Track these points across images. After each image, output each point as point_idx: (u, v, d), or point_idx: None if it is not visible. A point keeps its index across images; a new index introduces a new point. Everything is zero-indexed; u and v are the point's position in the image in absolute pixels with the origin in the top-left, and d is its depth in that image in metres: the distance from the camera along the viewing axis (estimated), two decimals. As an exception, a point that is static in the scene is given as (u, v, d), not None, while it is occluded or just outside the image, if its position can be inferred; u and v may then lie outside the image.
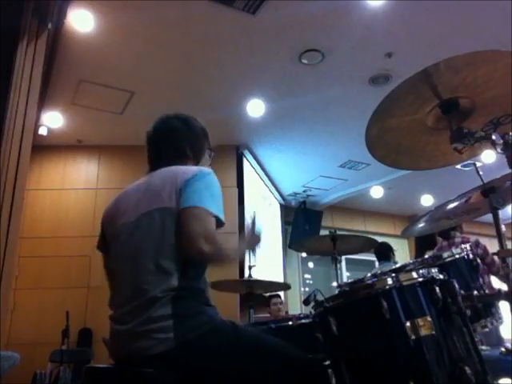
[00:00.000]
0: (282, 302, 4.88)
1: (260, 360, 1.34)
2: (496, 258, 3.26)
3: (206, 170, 1.50)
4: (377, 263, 4.72)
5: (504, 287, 1.39)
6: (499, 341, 2.95)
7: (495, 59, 1.29)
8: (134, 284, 1.35)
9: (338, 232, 2.80)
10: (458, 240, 3.58)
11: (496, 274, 3.29)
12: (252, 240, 1.71)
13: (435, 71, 1.30)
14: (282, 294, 5.13)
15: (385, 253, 4.51)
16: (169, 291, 1.29)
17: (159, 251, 1.35)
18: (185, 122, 1.65)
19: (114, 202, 1.56)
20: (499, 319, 1.63)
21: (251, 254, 1.65)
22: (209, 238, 1.32)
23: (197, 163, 1.62)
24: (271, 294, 4.81)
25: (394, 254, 4.54)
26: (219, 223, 1.41)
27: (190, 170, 1.47)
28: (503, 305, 1.58)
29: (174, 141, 1.61)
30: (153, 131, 1.65)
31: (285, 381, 1.35)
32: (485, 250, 3.42)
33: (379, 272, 1.76)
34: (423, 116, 1.45)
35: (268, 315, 4.63)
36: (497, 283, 3.32)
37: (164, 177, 1.47)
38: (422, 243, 3.96)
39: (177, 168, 1.50)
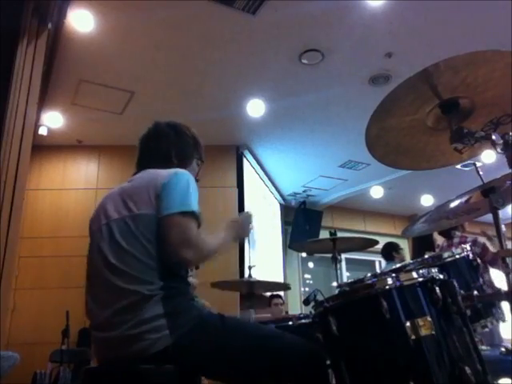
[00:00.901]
0: (283, 303, 4.89)
1: (248, 343, 1.36)
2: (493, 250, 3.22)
3: (182, 170, 1.50)
4: (383, 263, 4.76)
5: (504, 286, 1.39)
6: (499, 341, 2.95)
7: (495, 59, 1.29)
8: (110, 288, 1.34)
9: (338, 232, 2.80)
10: (456, 240, 3.58)
11: (498, 268, 3.22)
12: (243, 223, 1.64)
13: (435, 71, 1.30)
14: (282, 293, 5.14)
15: (389, 253, 4.51)
16: (156, 290, 1.30)
17: (134, 257, 1.34)
18: (173, 128, 1.67)
19: (99, 205, 1.57)
20: (501, 317, 1.62)
21: (248, 240, 1.61)
22: (190, 244, 1.34)
23: None
24: (272, 294, 4.82)
25: (398, 253, 4.51)
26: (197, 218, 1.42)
27: (167, 173, 1.46)
28: (504, 304, 1.58)
29: (159, 144, 1.63)
30: (143, 136, 1.69)
31: (273, 362, 1.36)
32: (483, 247, 3.39)
33: (379, 272, 1.76)
34: (423, 116, 1.45)
35: (269, 315, 4.64)
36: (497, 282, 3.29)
37: (141, 182, 1.49)
38: (420, 244, 3.95)
39: (154, 172, 1.50)
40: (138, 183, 1.49)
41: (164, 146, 1.62)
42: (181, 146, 1.64)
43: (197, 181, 1.67)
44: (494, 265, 3.27)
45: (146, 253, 1.35)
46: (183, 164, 1.62)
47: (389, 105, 1.40)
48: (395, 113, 1.43)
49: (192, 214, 1.38)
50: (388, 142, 1.54)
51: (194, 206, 1.40)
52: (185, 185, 1.43)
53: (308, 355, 1.38)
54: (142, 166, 1.62)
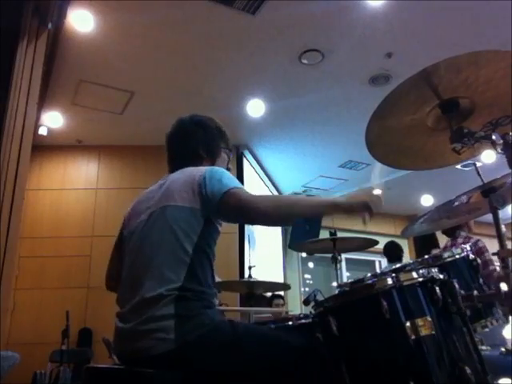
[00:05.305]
0: (283, 304, 4.90)
1: (261, 356, 1.33)
2: (491, 267, 3.11)
3: (215, 167, 1.53)
4: (383, 263, 4.63)
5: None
6: (500, 341, 2.94)
7: (496, 59, 1.29)
8: (136, 281, 1.36)
9: (338, 232, 2.80)
10: (460, 240, 3.54)
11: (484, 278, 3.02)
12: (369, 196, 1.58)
13: (436, 71, 1.30)
14: (281, 293, 5.14)
15: (394, 253, 4.39)
16: (173, 290, 1.29)
17: (166, 249, 1.36)
18: (198, 123, 1.70)
19: (134, 203, 1.60)
20: (501, 319, 1.62)
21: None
22: (251, 198, 1.37)
23: (212, 163, 1.65)
24: (273, 294, 4.83)
25: (403, 253, 4.43)
26: None
27: (203, 170, 1.49)
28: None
29: (186, 143, 1.66)
30: (169, 134, 1.71)
31: (287, 374, 1.34)
32: (479, 250, 3.29)
33: (379, 272, 1.76)
34: (423, 116, 1.45)
35: (269, 315, 4.64)
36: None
37: (178, 178, 1.50)
38: (424, 243, 3.90)
39: (191, 170, 1.52)
40: (177, 180, 1.49)
41: (192, 144, 1.65)
42: (208, 141, 1.68)
43: (228, 169, 1.69)
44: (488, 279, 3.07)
45: (179, 246, 1.35)
46: (213, 156, 1.67)
47: (389, 104, 1.40)
48: (395, 112, 1.43)
49: (241, 188, 1.41)
50: (388, 142, 1.54)
51: (239, 184, 1.43)
52: (223, 173, 1.47)
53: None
54: (175, 164, 1.64)
